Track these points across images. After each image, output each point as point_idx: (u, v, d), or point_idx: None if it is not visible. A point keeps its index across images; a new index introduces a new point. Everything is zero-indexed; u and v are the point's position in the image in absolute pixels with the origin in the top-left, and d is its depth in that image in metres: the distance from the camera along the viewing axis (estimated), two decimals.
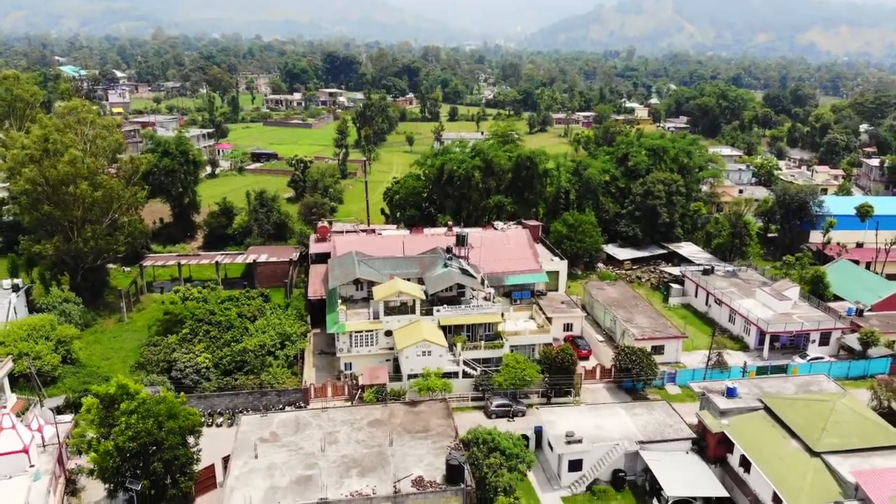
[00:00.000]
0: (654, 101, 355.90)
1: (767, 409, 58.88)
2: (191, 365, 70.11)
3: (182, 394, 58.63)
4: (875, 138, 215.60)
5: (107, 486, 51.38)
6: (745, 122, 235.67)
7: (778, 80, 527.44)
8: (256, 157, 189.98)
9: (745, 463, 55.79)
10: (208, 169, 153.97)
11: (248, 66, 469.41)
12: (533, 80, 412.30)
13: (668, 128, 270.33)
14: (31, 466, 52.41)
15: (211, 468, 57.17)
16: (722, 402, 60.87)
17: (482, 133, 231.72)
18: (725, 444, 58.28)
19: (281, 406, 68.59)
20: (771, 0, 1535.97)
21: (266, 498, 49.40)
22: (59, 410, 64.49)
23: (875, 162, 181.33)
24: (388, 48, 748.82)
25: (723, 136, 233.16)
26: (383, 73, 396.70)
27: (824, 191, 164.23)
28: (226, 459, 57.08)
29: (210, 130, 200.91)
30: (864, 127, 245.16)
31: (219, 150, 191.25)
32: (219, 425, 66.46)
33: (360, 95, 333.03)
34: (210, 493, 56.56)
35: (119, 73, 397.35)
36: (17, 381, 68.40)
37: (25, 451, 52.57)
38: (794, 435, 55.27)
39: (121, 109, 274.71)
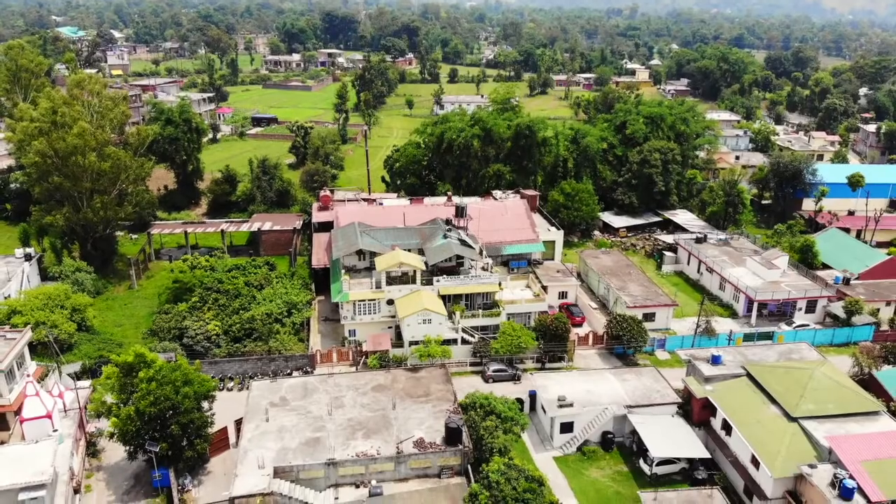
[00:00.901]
0: (655, 61, 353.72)
1: (750, 376, 62.21)
2: (201, 332, 73.28)
3: (197, 361, 61.75)
4: (874, 103, 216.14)
5: (127, 448, 54.91)
6: (745, 86, 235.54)
7: (781, 41, 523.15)
8: (257, 121, 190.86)
9: (726, 426, 59.27)
10: (210, 134, 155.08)
11: (246, 24, 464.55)
12: (534, 39, 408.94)
13: (669, 90, 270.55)
14: (55, 431, 55.76)
15: (224, 430, 60.63)
16: (707, 369, 64.19)
17: (482, 96, 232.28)
18: (709, 408, 61.69)
19: (288, 371, 71.99)
20: None
21: (277, 458, 52.95)
22: (76, 376, 67.96)
23: (872, 128, 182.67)
24: (387, 5, 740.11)
25: (722, 99, 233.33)
26: (382, 32, 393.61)
27: (820, 157, 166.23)
28: (238, 422, 60.59)
29: (211, 95, 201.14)
30: (863, 91, 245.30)
31: (220, 115, 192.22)
32: (230, 389, 69.84)
33: (359, 56, 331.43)
34: (223, 454, 60.11)
35: (117, 34, 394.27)
36: (36, 348, 71.51)
37: (49, 416, 55.89)
38: (773, 401, 58.65)
39: (120, 72, 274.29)
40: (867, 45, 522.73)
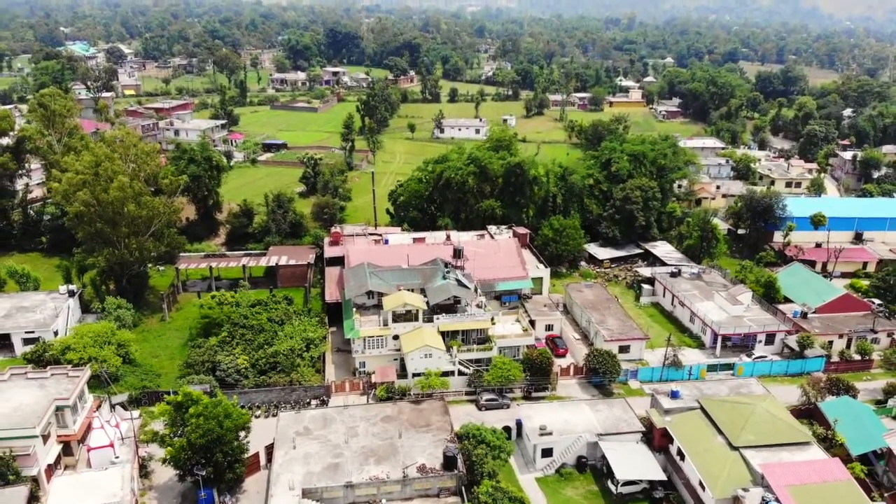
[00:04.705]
0: (650, 78, 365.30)
1: (703, 409, 73.10)
2: (232, 366, 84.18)
3: (235, 397, 72.71)
4: (854, 128, 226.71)
5: (178, 472, 65.76)
6: (732, 110, 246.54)
7: (774, 53, 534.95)
8: (267, 147, 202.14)
9: (681, 453, 70.14)
10: (228, 168, 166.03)
11: (252, 38, 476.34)
12: (532, 54, 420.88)
13: (661, 111, 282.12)
14: (117, 458, 66.71)
15: (256, 455, 71.47)
16: (666, 402, 75.15)
17: (481, 119, 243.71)
18: (667, 436, 72.61)
19: (308, 400, 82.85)
20: None
21: (304, 481, 63.88)
22: (125, 406, 78.96)
23: (848, 155, 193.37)
24: (387, 13, 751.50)
25: (709, 123, 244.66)
26: (384, 48, 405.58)
27: (798, 184, 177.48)
28: (268, 447, 71.48)
29: (223, 122, 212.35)
30: (848, 112, 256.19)
31: (232, 141, 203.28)
32: (257, 416, 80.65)
33: (362, 75, 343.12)
34: (255, 475, 70.90)
35: (126, 49, 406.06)
36: (89, 380, 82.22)
37: (111, 445, 66.99)
38: (720, 431, 69.56)
39: (133, 92, 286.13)
40: (860, 58, 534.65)
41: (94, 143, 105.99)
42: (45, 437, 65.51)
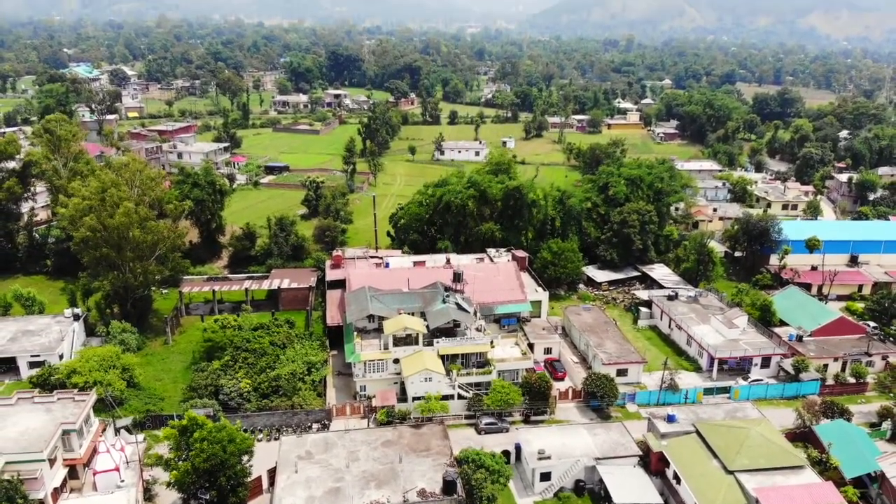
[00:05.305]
0: (647, 100, 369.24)
1: (698, 433, 74.23)
2: (235, 389, 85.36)
3: (238, 422, 73.86)
4: (850, 150, 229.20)
5: (182, 495, 66.80)
6: (729, 132, 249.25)
7: (772, 75, 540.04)
8: (270, 169, 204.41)
9: (677, 477, 71.18)
10: (230, 192, 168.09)
11: (254, 60, 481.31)
12: (531, 76, 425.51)
13: (658, 133, 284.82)
14: (122, 482, 67.78)
15: (258, 479, 72.48)
16: (663, 427, 76.27)
17: (480, 142, 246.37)
18: (664, 461, 73.66)
19: (309, 424, 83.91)
20: None
21: None
22: (129, 430, 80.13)
23: (844, 178, 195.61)
24: (388, 36, 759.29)
25: (707, 145, 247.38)
26: (385, 70, 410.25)
27: (794, 206, 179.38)
28: (270, 471, 72.51)
29: (226, 145, 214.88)
30: (844, 133, 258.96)
31: (235, 164, 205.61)
32: (259, 440, 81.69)
33: (363, 98, 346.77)
34: (258, 499, 71.92)
35: (129, 71, 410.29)
36: (93, 404, 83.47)
37: (117, 469, 68.06)
38: (715, 455, 70.65)
39: (136, 114, 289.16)
40: (857, 79, 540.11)
41: (100, 168, 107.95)
42: (52, 461, 66.56)
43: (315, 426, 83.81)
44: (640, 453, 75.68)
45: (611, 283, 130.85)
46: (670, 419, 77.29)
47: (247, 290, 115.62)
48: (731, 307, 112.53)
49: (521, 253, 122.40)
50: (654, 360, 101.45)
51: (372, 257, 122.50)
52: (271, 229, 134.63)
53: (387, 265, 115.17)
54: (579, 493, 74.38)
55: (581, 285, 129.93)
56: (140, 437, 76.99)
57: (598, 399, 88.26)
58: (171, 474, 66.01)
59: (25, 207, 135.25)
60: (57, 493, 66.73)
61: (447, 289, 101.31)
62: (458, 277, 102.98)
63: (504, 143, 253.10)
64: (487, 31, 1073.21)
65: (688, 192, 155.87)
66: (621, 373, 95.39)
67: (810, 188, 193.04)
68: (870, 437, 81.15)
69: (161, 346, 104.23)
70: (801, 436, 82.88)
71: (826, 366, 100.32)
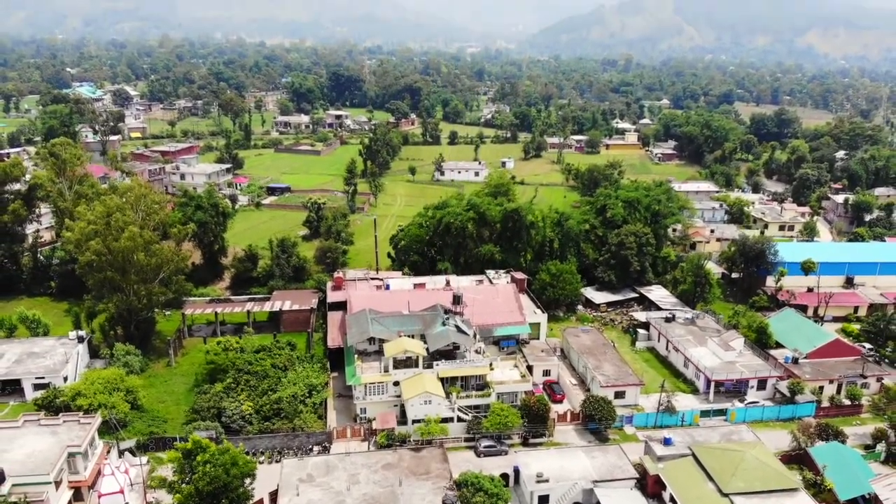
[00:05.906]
0: (645, 120, 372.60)
1: (694, 456, 75.28)
2: (237, 412, 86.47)
3: (241, 444, 74.94)
4: (847, 171, 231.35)
5: None
6: (726, 153, 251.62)
7: (769, 94, 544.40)
8: (271, 190, 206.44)
9: (673, 500, 72.15)
10: (233, 214, 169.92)
11: (255, 80, 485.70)
12: (530, 96, 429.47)
13: (656, 154, 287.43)
14: None
15: (260, 501, 73.39)
16: (659, 450, 77.36)
17: (480, 162, 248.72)
18: (660, 483, 74.64)
19: (310, 447, 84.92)
20: (770, 2, 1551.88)
21: None
22: (133, 451, 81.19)
23: (840, 199, 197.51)
24: (389, 56, 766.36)
25: (704, 166, 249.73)
26: (386, 91, 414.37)
27: (791, 227, 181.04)
28: (272, 494, 73.47)
29: (228, 166, 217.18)
30: (840, 154, 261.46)
31: (237, 185, 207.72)
32: (261, 462, 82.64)
33: (364, 118, 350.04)
34: None
35: (131, 91, 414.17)
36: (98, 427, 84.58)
37: (122, 491, 69.06)
38: (711, 478, 71.67)
39: (139, 134, 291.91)
40: (854, 98, 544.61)
41: (105, 190, 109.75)
42: (58, 484, 67.66)
43: (316, 449, 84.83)
44: (637, 476, 76.67)
45: (609, 304, 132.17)
46: (667, 442, 78.38)
47: (248, 311, 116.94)
48: (727, 329, 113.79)
49: (519, 275, 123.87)
50: (652, 382, 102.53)
51: (373, 279, 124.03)
52: (273, 251, 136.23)
53: (387, 287, 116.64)
54: None
55: (580, 307, 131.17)
56: (144, 459, 77.98)
57: (597, 422, 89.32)
58: (175, 497, 66.99)
59: (30, 229, 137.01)
60: None
61: (447, 311, 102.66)
62: (457, 300, 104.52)
63: (503, 163, 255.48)
64: (487, 51, 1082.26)
65: (685, 213, 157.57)
66: (619, 395, 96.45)
67: (807, 209, 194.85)
68: (864, 459, 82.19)
69: (164, 368, 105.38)
70: (797, 458, 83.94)
71: (821, 388, 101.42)
